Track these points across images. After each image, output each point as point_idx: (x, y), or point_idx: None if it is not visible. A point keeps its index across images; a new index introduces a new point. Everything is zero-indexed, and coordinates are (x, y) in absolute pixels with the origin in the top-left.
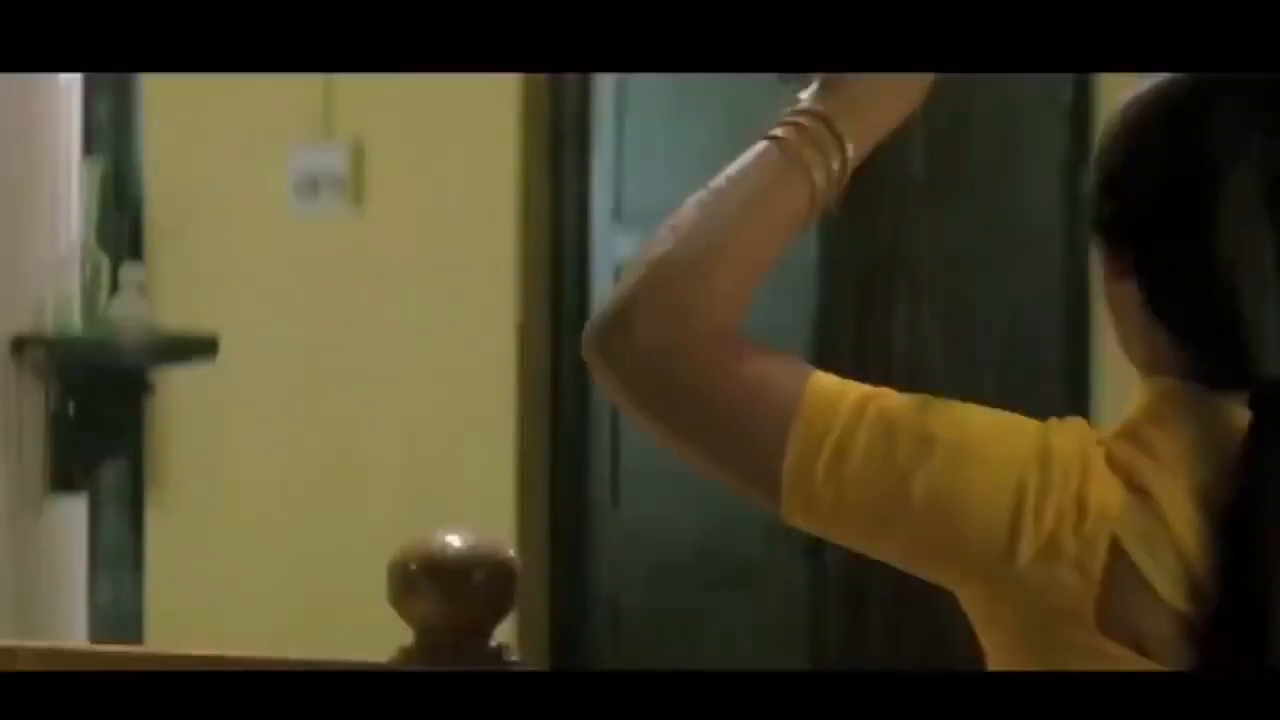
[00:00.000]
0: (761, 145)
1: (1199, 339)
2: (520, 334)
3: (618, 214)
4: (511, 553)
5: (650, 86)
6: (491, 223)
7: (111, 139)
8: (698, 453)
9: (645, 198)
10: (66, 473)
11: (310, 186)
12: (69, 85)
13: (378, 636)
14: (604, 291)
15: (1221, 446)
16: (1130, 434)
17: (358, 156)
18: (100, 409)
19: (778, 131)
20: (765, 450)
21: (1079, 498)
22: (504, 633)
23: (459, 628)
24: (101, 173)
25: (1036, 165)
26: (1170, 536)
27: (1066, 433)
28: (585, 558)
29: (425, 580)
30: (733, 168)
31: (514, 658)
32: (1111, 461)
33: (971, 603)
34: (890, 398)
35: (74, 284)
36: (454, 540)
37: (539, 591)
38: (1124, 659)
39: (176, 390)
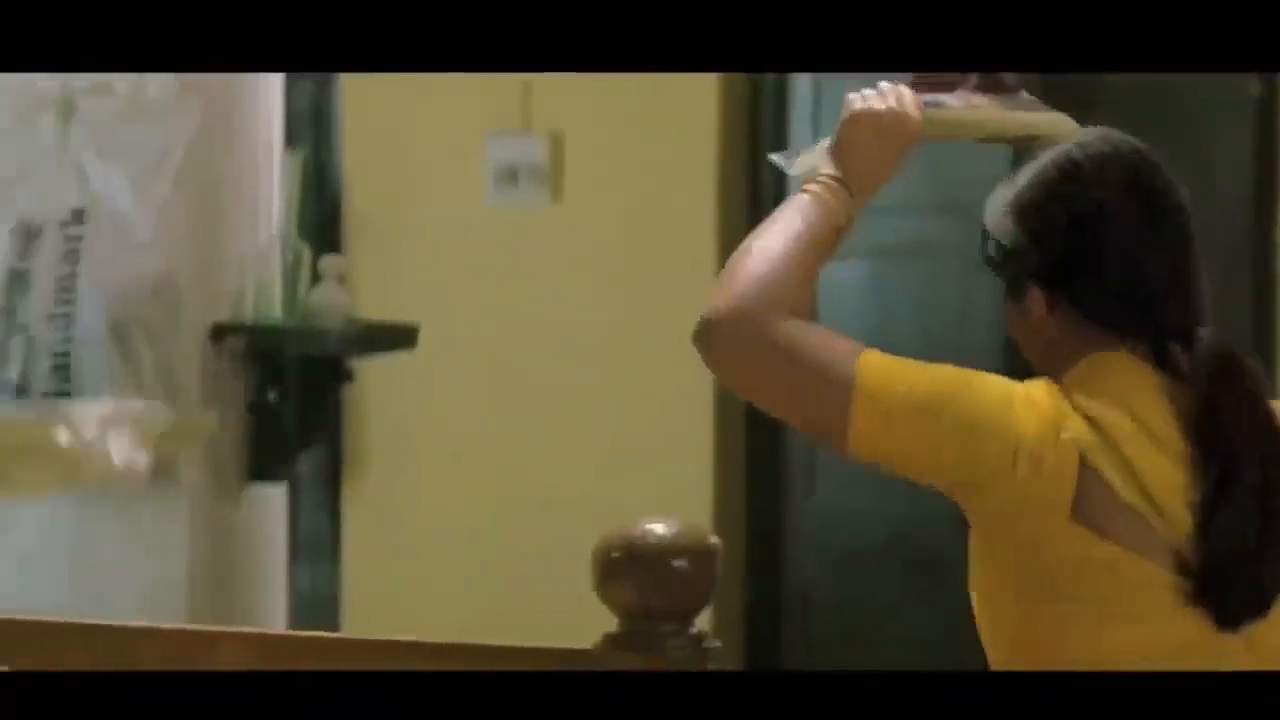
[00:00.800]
0: (800, 197)
1: (1121, 325)
2: None
3: None
4: (714, 540)
5: (844, 87)
6: (688, 218)
7: (311, 131)
8: (780, 415)
9: None
10: (266, 462)
11: (509, 178)
12: (271, 78)
13: (572, 622)
14: None
15: (1143, 388)
16: (1080, 385)
17: (556, 149)
18: (300, 398)
19: (811, 188)
20: (834, 404)
21: (1055, 427)
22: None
23: (661, 614)
24: (302, 164)
25: (1224, 158)
26: (1119, 451)
27: (1040, 387)
28: (780, 546)
29: (628, 567)
30: (779, 213)
31: (714, 645)
32: (1073, 404)
33: (981, 508)
34: (924, 369)
35: (275, 274)
36: (657, 528)
37: (734, 579)
38: (1089, 539)
39: (373, 379)
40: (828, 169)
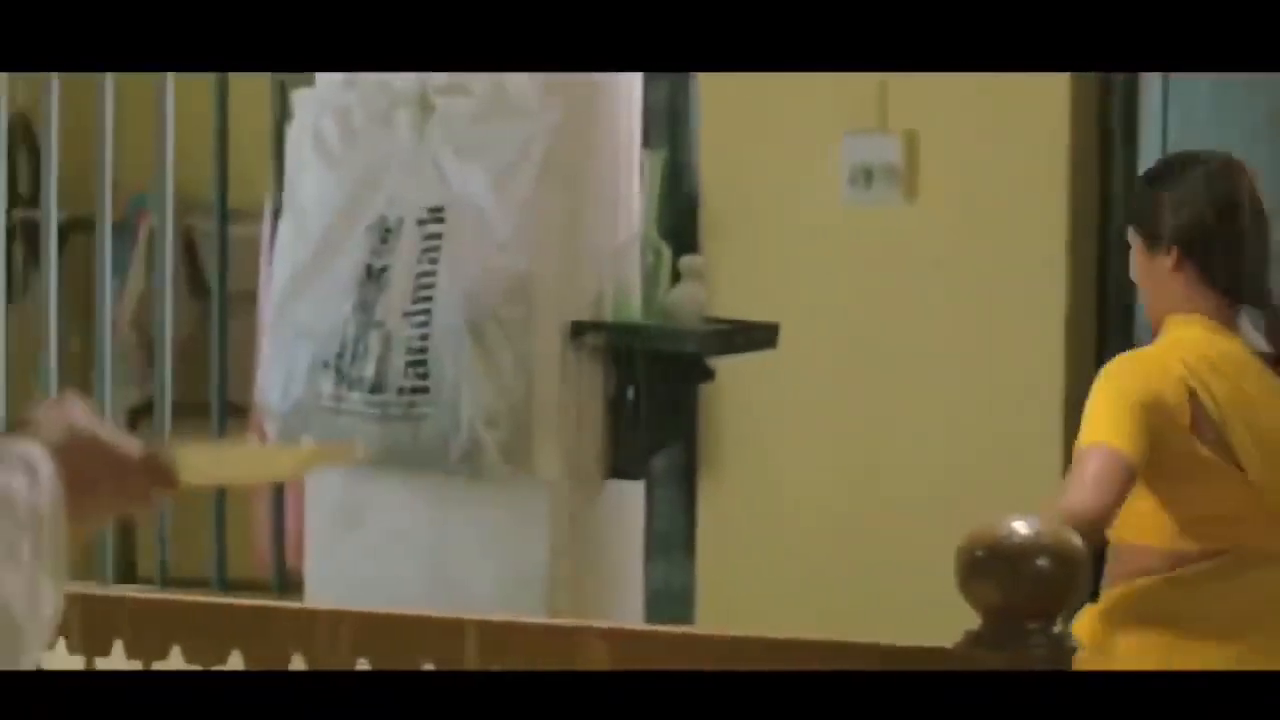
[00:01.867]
0: None
1: (1228, 293)
2: (1068, 329)
3: None
4: (1076, 541)
5: (1192, 84)
6: (1040, 218)
7: (668, 130)
8: None
9: None
10: (624, 459)
11: (864, 177)
12: (630, 77)
13: (922, 621)
14: None
15: (1220, 343)
16: (1179, 344)
17: (911, 148)
18: (658, 396)
19: None
20: None
21: (1178, 379)
22: None
23: (1022, 613)
24: (661, 163)
25: None
26: (1209, 387)
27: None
28: None
29: (990, 565)
30: None
31: (1073, 644)
32: (1182, 360)
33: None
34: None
35: (634, 272)
36: (1019, 527)
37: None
38: (1206, 453)
39: (728, 377)
40: None
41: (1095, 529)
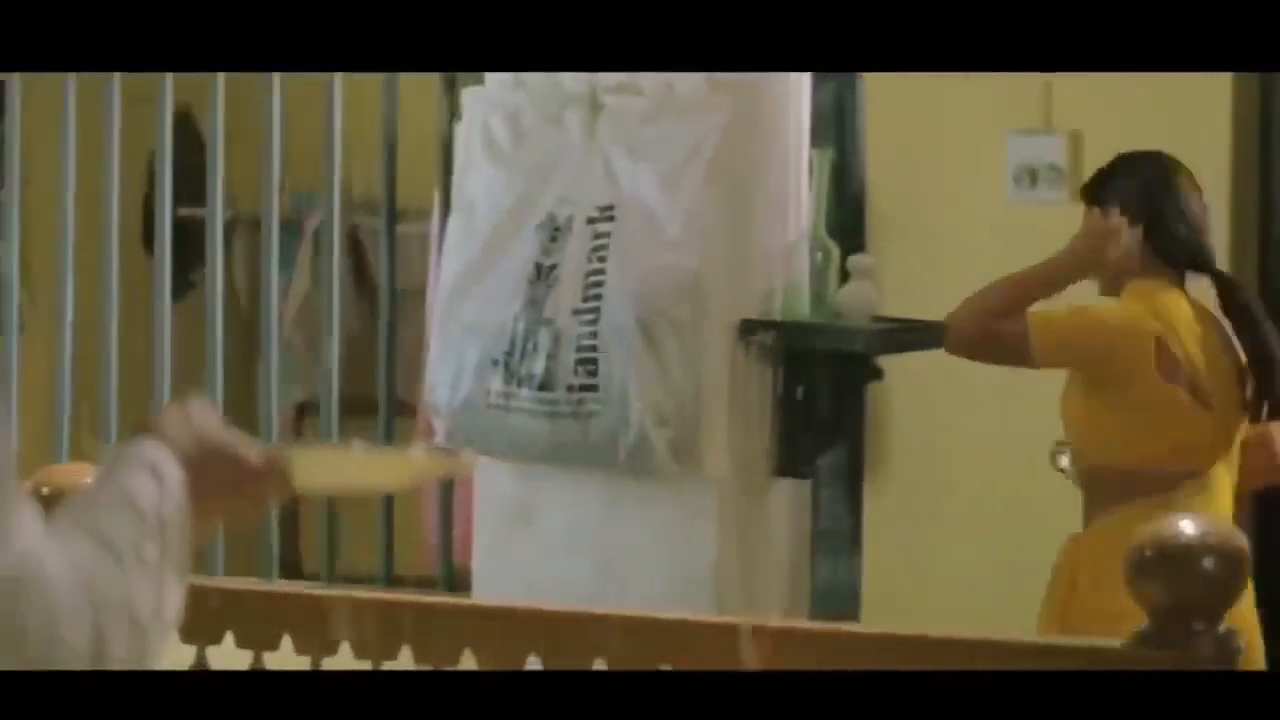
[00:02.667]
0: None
1: (1178, 257)
2: None
3: None
4: (1241, 541)
5: None
6: None
7: (835, 129)
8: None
9: None
10: (792, 457)
11: (1028, 176)
12: (798, 76)
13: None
14: None
15: (1182, 302)
16: (1144, 295)
17: (1075, 148)
18: (826, 395)
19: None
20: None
21: (1142, 323)
22: None
23: (1189, 612)
24: (829, 162)
25: None
26: (1177, 336)
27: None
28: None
29: (1157, 565)
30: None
31: (1241, 644)
32: (1145, 309)
33: (1109, 377)
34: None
35: (803, 271)
36: (1186, 527)
37: None
38: (1171, 391)
39: (894, 375)
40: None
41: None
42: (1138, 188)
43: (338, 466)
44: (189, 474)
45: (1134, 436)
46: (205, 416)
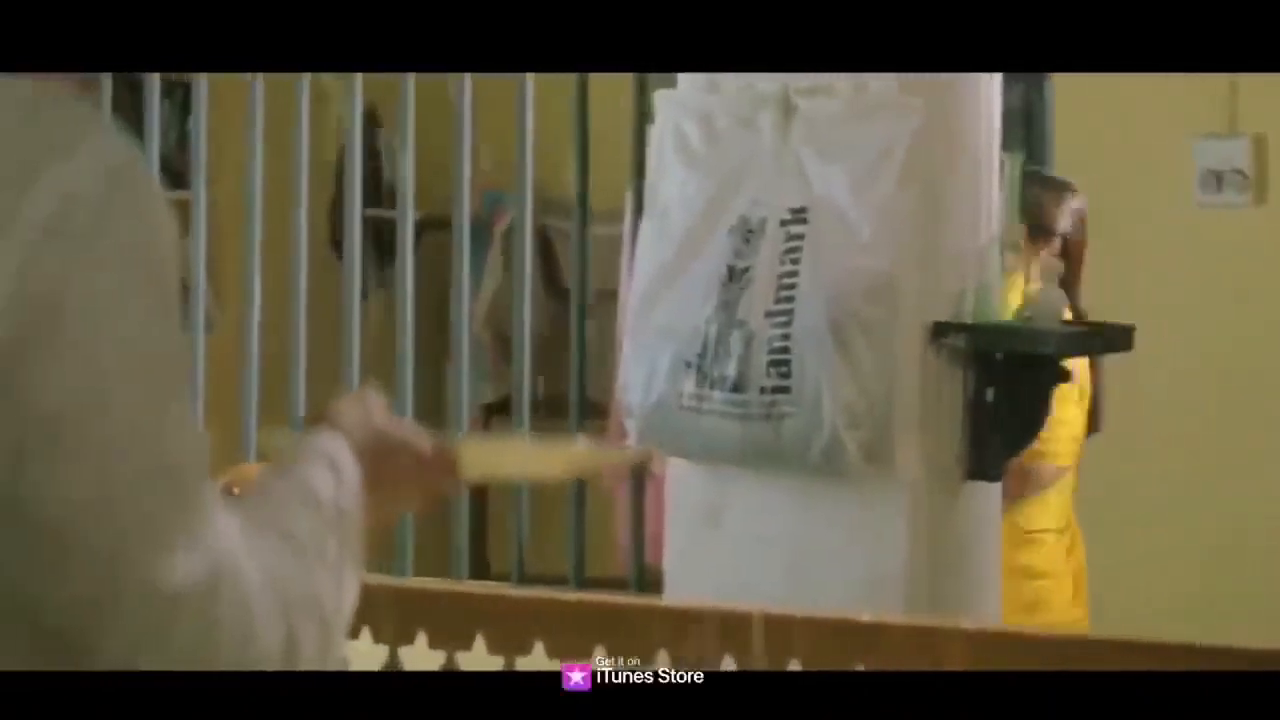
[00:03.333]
0: None
1: None
2: None
3: None
4: None
5: None
6: None
7: (1024, 131)
8: None
9: None
10: (983, 459)
11: (1213, 180)
12: (990, 78)
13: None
14: None
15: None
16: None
17: (1260, 152)
18: (1016, 397)
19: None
20: None
21: None
22: None
23: None
24: (1019, 166)
25: None
26: None
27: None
28: None
29: None
30: None
31: None
32: None
33: None
34: None
35: (993, 274)
36: None
37: None
38: (1072, 390)
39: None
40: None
41: None
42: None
43: (502, 457)
44: (365, 465)
45: (1060, 433)
46: (381, 409)
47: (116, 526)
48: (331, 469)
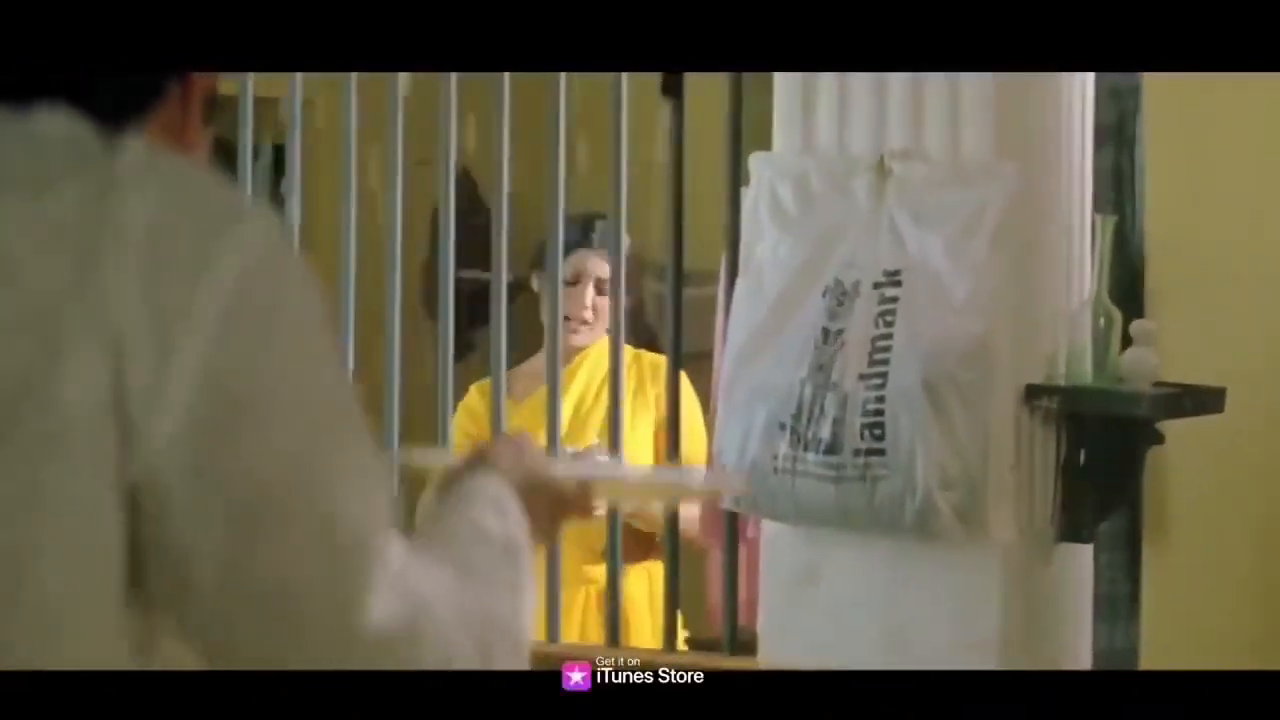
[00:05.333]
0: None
1: None
2: None
3: None
4: None
5: None
6: None
7: (1115, 193)
8: None
9: None
10: (1075, 521)
11: None
12: (1081, 138)
13: None
14: None
15: None
16: None
17: None
18: (1108, 459)
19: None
20: None
21: None
22: None
23: None
24: (1112, 227)
25: None
26: None
27: None
28: None
29: None
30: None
31: None
32: None
33: None
34: None
35: (1086, 336)
36: None
37: None
38: None
39: (1177, 439)
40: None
41: None
42: None
43: (621, 485)
44: (524, 507)
45: None
46: (534, 453)
47: (339, 584)
48: (498, 512)
